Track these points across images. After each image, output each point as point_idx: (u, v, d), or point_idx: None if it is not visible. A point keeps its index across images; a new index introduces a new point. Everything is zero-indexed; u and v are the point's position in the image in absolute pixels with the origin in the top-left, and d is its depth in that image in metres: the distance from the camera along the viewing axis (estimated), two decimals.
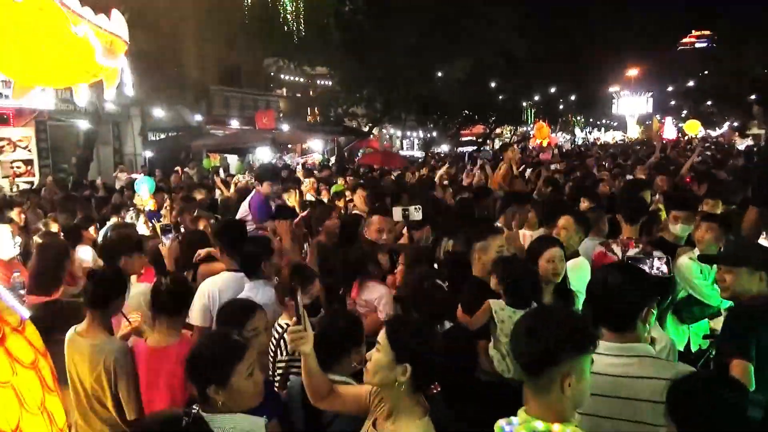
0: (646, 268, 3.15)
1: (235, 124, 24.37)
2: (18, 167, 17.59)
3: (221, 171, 16.25)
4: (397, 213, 4.73)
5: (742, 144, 38.87)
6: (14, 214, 7.08)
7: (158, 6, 18.08)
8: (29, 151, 17.82)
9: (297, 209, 6.53)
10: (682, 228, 4.69)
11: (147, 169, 18.94)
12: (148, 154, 21.83)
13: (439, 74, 26.55)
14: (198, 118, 23.33)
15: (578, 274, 4.02)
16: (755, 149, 20.76)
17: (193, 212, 6.26)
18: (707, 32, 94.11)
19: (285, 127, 25.17)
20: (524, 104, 45.97)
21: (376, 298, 3.79)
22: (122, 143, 21.95)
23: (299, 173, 11.52)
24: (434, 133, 37.47)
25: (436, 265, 4.36)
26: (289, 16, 18.92)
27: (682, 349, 3.97)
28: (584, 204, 5.85)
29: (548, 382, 1.75)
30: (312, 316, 3.31)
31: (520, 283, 3.28)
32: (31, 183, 16.31)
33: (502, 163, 8.19)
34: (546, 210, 5.04)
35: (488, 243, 3.67)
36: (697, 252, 4.23)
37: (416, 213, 4.69)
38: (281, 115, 29.53)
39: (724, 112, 51.17)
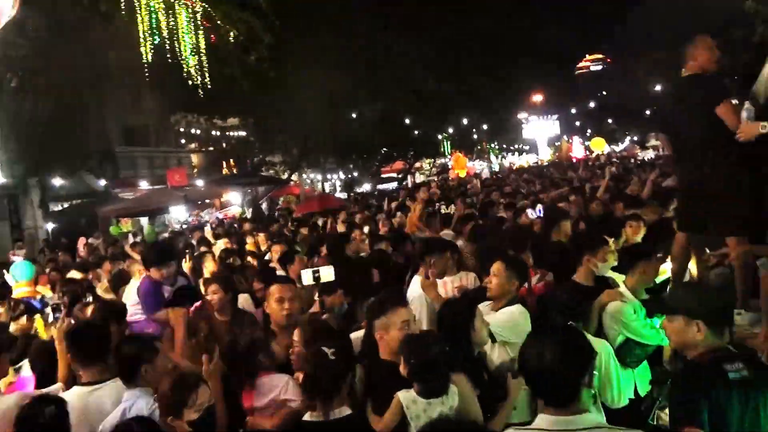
0: None
1: (144, 185, 23.24)
2: None
3: (130, 237, 15.22)
4: (306, 276, 4.09)
5: (643, 155, 41.30)
6: None
7: (53, 69, 17.14)
8: None
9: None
10: (603, 267, 4.32)
11: (47, 243, 17.58)
12: (50, 226, 20.30)
13: (354, 116, 26.65)
14: (102, 182, 22.06)
15: (513, 324, 3.71)
16: (659, 159, 21.87)
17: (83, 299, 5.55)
18: (599, 56, 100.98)
19: (199, 183, 24.26)
20: (440, 137, 47.06)
21: (277, 393, 3.15)
22: (21, 218, 20.31)
23: (208, 234, 10.57)
24: (355, 173, 37.44)
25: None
26: (192, 70, 18.40)
27: (632, 395, 3.70)
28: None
29: None
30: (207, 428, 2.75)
31: (429, 368, 2.72)
32: None
33: (415, 204, 7.94)
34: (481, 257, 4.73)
35: (389, 319, 3.04)
36: (623, 289, 4.02)
37: (328, 273, 4.14)
38: (195, 170, 28.55)
39: (624, 127, 54.42)
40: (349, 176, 36.47)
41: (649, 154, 35.45)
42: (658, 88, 34.90)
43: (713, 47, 4.07)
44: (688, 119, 4.12)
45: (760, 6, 14.07)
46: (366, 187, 39.35)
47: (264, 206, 26.60)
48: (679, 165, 4.50)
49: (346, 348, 3.04)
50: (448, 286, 4.87)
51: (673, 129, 4.38)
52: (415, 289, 4.48)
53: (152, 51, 16.02)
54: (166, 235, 20.35)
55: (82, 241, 14.91)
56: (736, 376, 2.22)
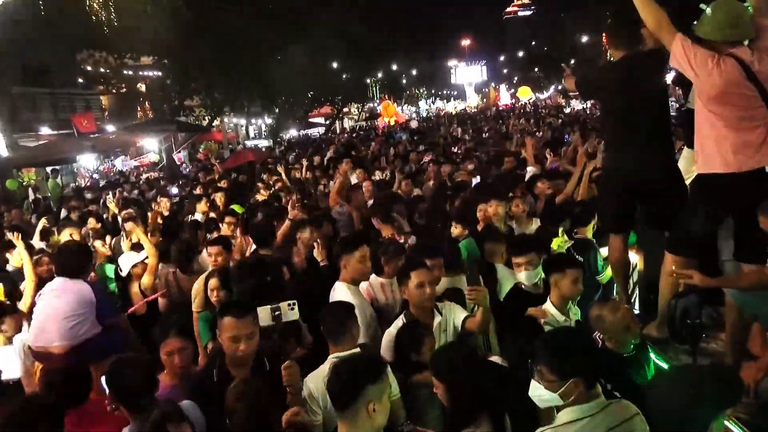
0: None
1: (47, 130, 21.14)
2: None
3: (30, 192, 13.79)
4: (264, 314, 2.91)
5: (566, 104, 42.15)
6: None
7: None
8: None
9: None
10: (528, 275, 3.80)
11: None
12: None
13: (279, 58, 25.27)
14: None
15: None
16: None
17: None
18: (527, 1, 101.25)
19: (110, 129, 22.37)
20: (368, 81, 45.89)
21: None
22: None
23: (110, 203, 7.95)
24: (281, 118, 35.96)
25: None
26: (95, 5, 16.64)
27: None
28: (456, 230, 5.02)
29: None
30: None
31: None
32: None
33: (336, 176, 7.60)
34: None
35: None
36: (549, 306, 3.45)
37: (291, 312, 2.93)
38: (106, 115, 26.38)
39: (549, 76, 55.15)
40: (275, 121, 34.96)
41: (574, 105, 36.17)
42: (584, 39, 35.21)
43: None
44: (644, 99, 3.58)
45: None
46: (292, 133, 38.00)
47: (184, 154, 25.12)
48: (619, 150, 3.80)
49: None
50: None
51: (621, 108, 3.69)
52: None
53: None
54: (73, 185, 18.72)
55: None
56: None
